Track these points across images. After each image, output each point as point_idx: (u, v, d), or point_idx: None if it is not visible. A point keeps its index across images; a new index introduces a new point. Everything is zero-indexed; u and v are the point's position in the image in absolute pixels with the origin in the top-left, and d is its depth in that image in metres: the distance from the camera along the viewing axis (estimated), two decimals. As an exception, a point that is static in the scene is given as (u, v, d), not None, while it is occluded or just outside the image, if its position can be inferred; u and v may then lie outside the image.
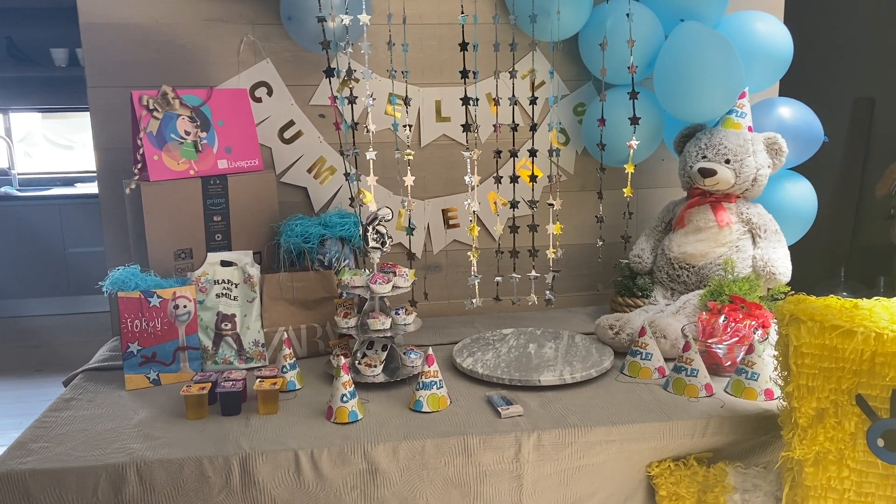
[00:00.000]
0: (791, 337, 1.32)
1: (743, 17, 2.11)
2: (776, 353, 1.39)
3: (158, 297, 1.69)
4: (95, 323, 4.62)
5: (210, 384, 1.57)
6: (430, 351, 1.59)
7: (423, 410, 1.55)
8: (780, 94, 2.35)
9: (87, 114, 2.07)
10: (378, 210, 1.76)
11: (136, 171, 1.81)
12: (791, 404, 1.35)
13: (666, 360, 1.74)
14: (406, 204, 1.99)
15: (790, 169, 2.18)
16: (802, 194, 2.15)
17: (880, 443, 1.28)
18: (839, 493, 1.32)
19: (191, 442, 1.43)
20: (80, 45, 2.04)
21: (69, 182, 5.28)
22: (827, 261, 3.98)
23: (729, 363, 1.71)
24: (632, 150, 2.03)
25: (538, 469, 1.47)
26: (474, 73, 2.00)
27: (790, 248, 2.05)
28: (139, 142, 1.80)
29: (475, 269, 2.02)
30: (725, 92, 1.97)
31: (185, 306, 1.72)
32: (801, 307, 1.33)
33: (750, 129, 2.00)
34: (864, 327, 1.26)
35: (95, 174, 2.10)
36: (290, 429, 1.48)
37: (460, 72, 1.98)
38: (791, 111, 2.12)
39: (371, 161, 1.93)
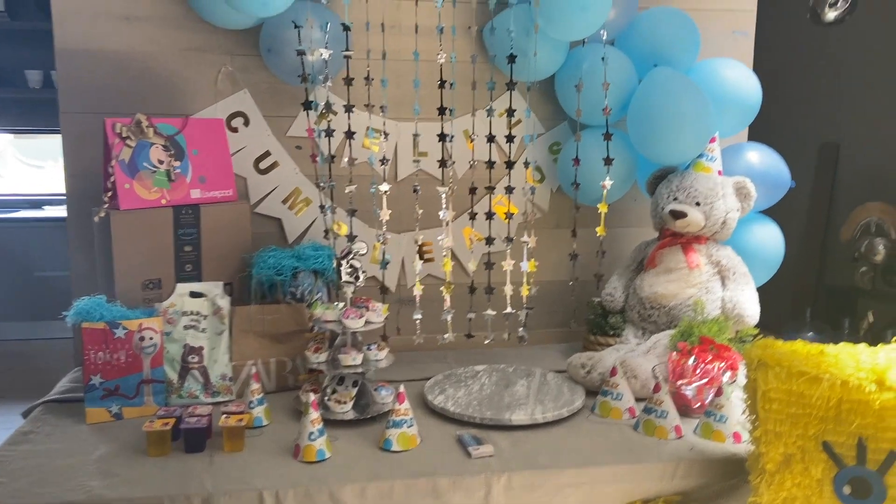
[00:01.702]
0: (759, 382, 1.33)
1: (713, 63, 2.17)
2: (745, 396, 1.41)
3: (124, 328, 1.66)
4: (62, 348, 4.50)
5: (174, 419, 1.54)
6: (402, 388, 1.57)
7: (392, 449, 1.53)
8: (749, 139, 2.41)
9: (58, 135, 2.04)
10: (352, 244, 1.76)
11: (106, 199, 1.78)
12: (759, 449, 1.36)
13: (636, 399, 1.74)
14: (381, 238, 2.00)
15: (759, 212, 2.22)
16: (770, 237, 2.19)
17: (846, 490, 1.30)
18: (806, 540, 1.33)
19: (152, 480, 1.39)
20: (54, 67, 2.03)
21: (38, 205, 5.19)
22: (793, 302, 4.04)
23: (698, 405, 1.71)
24: (605, 190, 2.06)
25: (508, 511, 1.45)
26: (450, 110, 2.02)
27: (758, 288, 2.08)
28: (110, 169, 1.78)
29: (448, 305, 2.02)
30: (696, 136, 2.01)
31: (150, 338, 1.69)
32: (769, 352, 1.34)
33: (720, 172, 2.04)
34: (831, 374, 1.28)
35: (65, 198, 2.07)
36: (256, 467, 1.45)
37: (438, 109, 2.01)
38: (759, 156, 2.17)
39: (350, 194, 1.93)
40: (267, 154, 2.17)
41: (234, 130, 2.12)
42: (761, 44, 2.42)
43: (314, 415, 1.49)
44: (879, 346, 1.35)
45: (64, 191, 2.06)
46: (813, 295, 4.05)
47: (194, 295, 1.81)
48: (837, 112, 4.02)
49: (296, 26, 1.89)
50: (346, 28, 1.89)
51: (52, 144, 5.40)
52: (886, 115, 3.76)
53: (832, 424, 1.29)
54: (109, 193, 1.77)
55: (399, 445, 1.53)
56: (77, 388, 1.83)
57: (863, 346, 1.36)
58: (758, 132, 2.41)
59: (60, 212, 5.01)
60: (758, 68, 2.35)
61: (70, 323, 1.64)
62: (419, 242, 2.12)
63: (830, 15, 2.97)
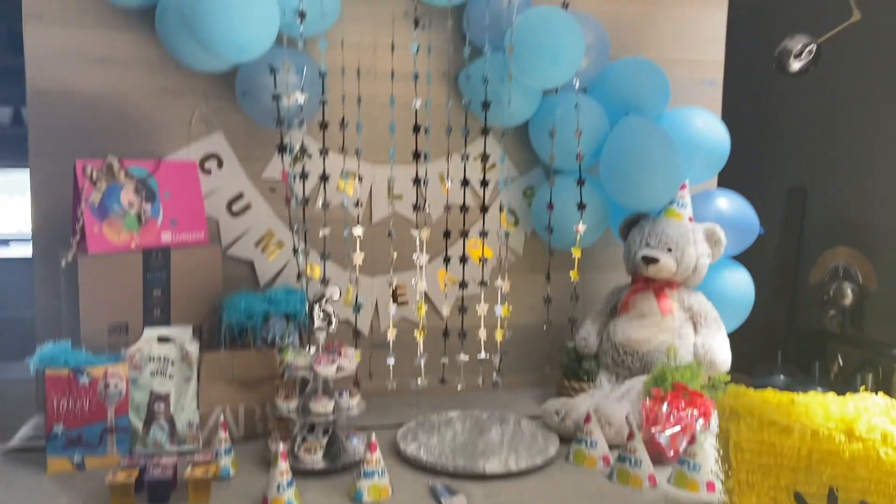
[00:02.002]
0: (731, 431, 1.33)
1: (683, 112, 2.22)
2: (717, 445, 1.40)
3: (89, 375, 1.62)
4: (24, 391, 4.37)
5: (137, 470, 1.49)
6: (374, 437, 1.55)
7: (363, 501, 1.50)
8: (718, 185, 2.45)
9: (25, 172, 2.01)
10: (325, 288, 1.74)
11: (74, 242, 1.75)
12: (731, 499, 1.35)
13: (610, 447, 1.73)
14: (354, 281, 1.98)
15: (729, 258, 2.25)
16: (740, 283, 2.22)
17: (819, 540, 1.29)
18: (781, 592, 1.31)
19: (113, 535, 1.34)
20: (24, 104, 2.01)
21: (4, 242, 5.08)
22: (764, 344, 4.08)
23: (672, 452, 1.71)
24: (579, 235, 2.07)
25: (480, 565, 1.42)
26: (426, 154, 2.03)
27: (730, 334, 2.10)
28: (79, 213, 1.75)
29: (422, 349, 2.00)
30: (666, 183, 2.04)
31: (116, 385, 1.65)
32: (741, 401, 1.35)
33: (690, 219, 2.07)
34: (801, 424, 1.28)
35: (22, 236, 2.03)
36: (222, 520, 1.41)
37: (413, 153, 2.02)
38: (729, 203, 2.21)
39: (324, 237, 1.92)
40: (240, 196, 2.15)
41: (208, 172, 2.11)
42: (729, 93, 2.49)
43: (283, 466, 1.45)
44: (848, 395, 1.36)
45: (26, 231, 2.02)
46: (783, 338, 4.09)
47: (162, 340, 1.77)
48: (805, 158, 4.13)
49: (272, 71, 1.90)
50: (322, 74, 1.90)
51: (18, 180, 5.32)
52: (851, 162, 3.87)
53: (803, 475, 1.29)
54: (78, 237, 1.74)
55: (370, 497, 1.50)
56: (39, 436, 1.77)
57: (832, 395, 1.37)
58: (727, 178, 2.46)
59: (25, 250, 4.92)
60: (726, 117, 2.41)
61: (33, 369, 1.60)
62: (393, 285, 2.11)
63: (795, 66, 3.05)
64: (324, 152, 1.94)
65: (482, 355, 2.01)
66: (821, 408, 1.32)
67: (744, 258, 2.28)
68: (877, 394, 1.38)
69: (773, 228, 4.19)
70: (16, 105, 4.83)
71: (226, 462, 1.60)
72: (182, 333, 1.80)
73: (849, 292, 3.64)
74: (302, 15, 1.85)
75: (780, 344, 4.06)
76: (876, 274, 3.60)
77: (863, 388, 1.41)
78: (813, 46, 3.02)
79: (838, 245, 3.79)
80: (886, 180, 3.64)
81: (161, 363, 1.75)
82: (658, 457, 1.70)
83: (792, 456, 1.29)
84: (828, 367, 3.66)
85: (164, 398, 1.73)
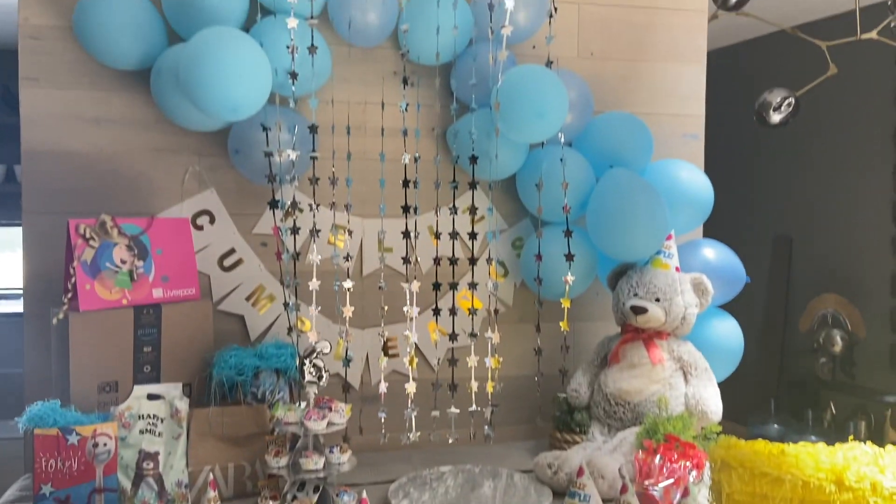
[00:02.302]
0: (723, 483, 1.33)
1: (666, 165, 2.27)
2: (710, 497, 1.40)
3: (77, 434, 1.60)
4: (8, 450, 4.29)
5: (125, 532, 1.47)
6: (364, 494, 1.53)
7: (354, 560, 1.47)
8: (704, 235, 2.49)
9: (16, 229, 2.02)
10: (316, 343, 1.75)
11: (65, 300, 1.76)
12: (727, 552, 1.34)
13: (604, 500, 1.72)
14: (344, 334, 1.99)
15: (716, 307, 2.27)
16: (729, 332, 2.23)
17: None
18: None
19: None
20: (18, 162, 2.04)
21: (-5, 298, 5.07)
22: (757, 393, 4.08)
23: (666, 505, 1.69)
24: (568, 286, 2.09)
25: None
26: (415, 207, 2.07)
27: (722, 382, 2.10)
28: (72, 270, 1.76)
29: (412, 402, 2.00)
30: (652, 234, 2.08)
31: (105, 444, 1.63)
32: (732, 453, 1.35)
33: (678, 269, 2.10)
34: (792, 475, 1.29)
35: (12, 292, 2.04)
36: (210, 583, 1.38)
37: (402, 206, 2.05)
38: (715, 252, 2.24)
39: (314, 291, 1.93)
40: (232, 251, 2.17)
41: (200, 228, 2.13)
42: (712, 145, 2.56)
43: (273, 524, 1.43)
44: (837, 444, 1.37)
45: (17, 286, 2.03)
46: (775, 386, 4.10)
47: (152, 397, 1.76)
48: (788, 207, 4.21)
49: (264, 129, 1.94)
50: (313, 131, 1.94)
51: (5, 237, 5.33)
52: (834, 210, 3.94)
53: (796, 526, 1.29)
54: (69, 294, 1.75)
55: (361, 555, 1.48)
56: (25, 498, 1.75)
57: (821, 445, 1.38)
58: (712, 228, 2.50)
59: (11, 307, 4.89)
60: (709, 168, 2.47)
61: (22, 429, 1.58)
62: (384, 337, 2.11)
63: (775, 118, 3.15)
64: (314, 207, 1.96)
65: (473, 408, 2.00)
66: (811, 458, 1.33)
67: (733, 306, 2.31)
68: (869, 441, 1.39)
69: (760, 276, 4.25)
70: (8, 163, 4.87)
71: (215, 522, 1.58)
72: (172, 390, 1.79)
73: (838, 340, 3.68)
74: (294, 75, 1.90)
75: (773, 392, 4.07)
76: (864, 321, 3.65)
77: (851, 437, 1.42)
78: (792, 99, 3.12)
79: (825, 292, 3.85)
80: (870, 227, 3.72)
81: (150, 421, 1.74)
82: (652, 510, 1.68)
83: (784, 507, 1.29)
84: (821, 415, 3.66)
85: (154, 456, 1.71)
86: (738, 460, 1.33)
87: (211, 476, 1.68)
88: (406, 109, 2.05)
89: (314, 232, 1.96)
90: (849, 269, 3.87)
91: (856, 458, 1.32)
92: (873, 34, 2.95)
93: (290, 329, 2.03)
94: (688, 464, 1.72)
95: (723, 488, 1.33)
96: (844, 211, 3.89)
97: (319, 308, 1.98)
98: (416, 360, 2.03)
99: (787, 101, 3.13)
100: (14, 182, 4.88)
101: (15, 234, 5.37)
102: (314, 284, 1.92)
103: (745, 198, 4.44)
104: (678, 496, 1.65)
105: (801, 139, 4.10)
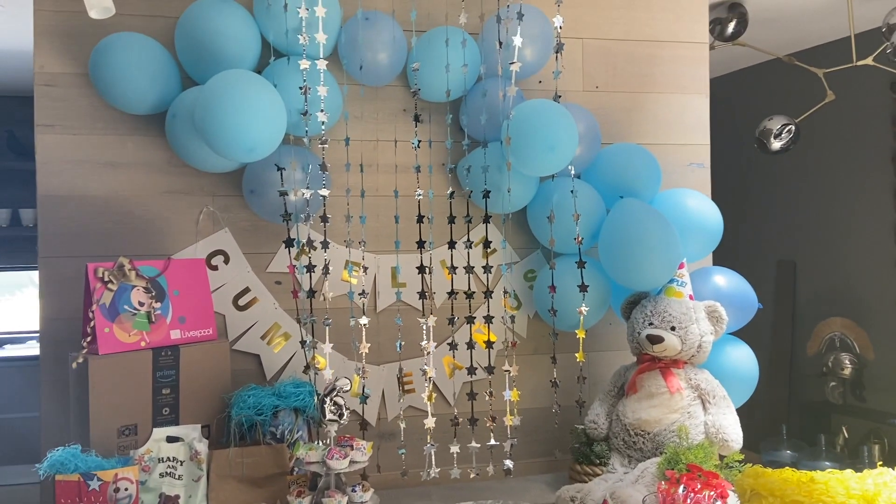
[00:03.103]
0: (755, 513, 1.33)
1: (675, 194, 2.29)
2: (741, 528, 1.39)
3: (99, 479, 1.59)
4: (18, 497, 4.23)
5: (150, 578, 1.45)
6: (390, 533, 1.52)
7: None
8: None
9: (20, 273, 2.03)
10: (336, 381, 1.75)
11: (84, 343, 1.76)
12: (761, 584, 1.33)
13: (630, 533, 1.70)
14: (361, 371, 1.99)
15: (728, 334, 2.28)
16: (743, 358, 2.24)
17: None
18: None
19: None
20: (23, 205, 2.05)
21: (-1, 343, 5.05)
22: (767, 419, 4.06)
23: (693, 537, 1.68)
24: (582, 316, 2.10)
25: None
26: (430, 242, 2.09)
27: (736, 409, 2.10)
28: (91, 314, 1.76)
29: (430, 437, 1.99)
30: (665, 262, 2.09)
31: (126, 489, 1.62)
32: (761, 482, 1.35)
33: (691, 297, 2.11)
34: (823, 502, 1.28)
35: (23, 336, 2.03)
36: None
37: (416, 242, 2.07)
38: (726, 280, 2.25)
39: (327, 329, 1.93)
40: (246, 290, 2.18)
41: (214, 268, 2.14)
42: (713, 172, 2.58)
43: (300, 567, 1.42)
44: (866, 472, 1.37)
45: (24, 329, 2.03)
46: (786, 411, 4.09)
47: (171, 439, 1.76)
48: (791, 232, 4.24)
49: (279, 168, 1.97)
50: (324, 168, 1.96)
51: (10, 280, 5.33)
52: (837, 233, 3.97)
53: (831, 555, 1.28)
54: (89, 338, 1.75)
55: None
56: (41, 546, 1.73)
57: (849, 472, 1.38)
58: (716, 254, 2.52)
59: (20, 350, 4.87)
60: (712, 194, 2.49)
61: (43, 475, 1.57)
62: (401, 374, 2.11)
63: (776, 145, 3.19)
64: (325, 245, 1.98)
65: (492, 442, 2.00)
66: (841, 485, 1.32)
67: (740, 332, 2.31)
68: (880, 463, 1.38)
69: (766, 301, 4.25)
70: (13, 207, 4.89)
71: (239, 566, 1.56)
72: (191, 432, 1.78)
73: (847, 363, 3.68)
74: (306, 115, 1.94)
75: (784, 418, 4.05)
76: (871, 343, 3.65)
77: (880, 463, 1.41)
78: (792, 126, 3.17)
79: (831, 316, 3.86)
80: (872, 249, 3.74)
81: (170, 464, 1.73)
82: (679, 541, 1.67)
83: (817, 536, 1.29)
84: (833, 440, 3.64)
85: (174, 500, 1.70)
86: (769, 489, 1.32)
87: (234, 519, 1.66)
88: (418, 146, 2.08)
89: (325, 271, 1.97)
90: (854, 291, 3.89)
91: (886, 483, 1.32)
92: (869, 60, 3.01)
93: (306, 367, 2.02)
94: (712, 493, 1.72)
95: (755, 518, 1.33)
96: (846, 234, 3.92)
97: (333, 345, 1.99)
98: (434, 395, 2.03)
99: (787, 128, 3.18)
100: (19, 226, 4.89)
101: (21, 277, 5.39)
102: (327, 322, 1.93)
103: (747, 223, 4.48)
104: (705, 527, 1.64)
105: (801, 164, 4.15)
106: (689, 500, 1.72)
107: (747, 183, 4.54)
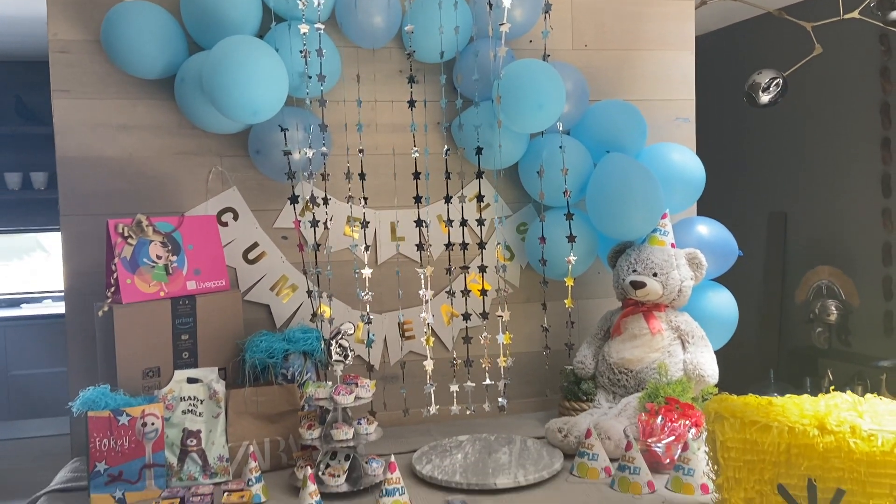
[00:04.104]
0: (717, 433, 1.47)
1: (660, 148, 2.40)
2: (707, 448, 1.54)
3: (127, 415, 1.75)
4: (39, 447, 4.46)
5: (178, 500, 1.62)
6: (392, 458, 1.68)
7: (386, 517, 1.62)
8: (701, 213, 2.63)
9: (29, 236, 2.16)
10: (341, 325, 1.89)
11: (108, 294, 1.90)
12: (722, 496, 1.49)
13: (611, 459, 1.87)
14: (365, 319, 2.13)
15: (711, 280, 2.41)
16: (724, 303, 2.37)
17: (803, 528, 1.42)
18: (772, 579, 1.44)
19: (160, 558, 1.47)
20: (34, 169, 2.17)
21: (14, 303, 5.22)
22: (757, 365, 4.22)
23: (668, 460, 1.84)
24: (570, 265, 2.23)
25: (497, 570, 1.55)
26: (426, 198, 2.21)
27: (720, 351, 2.24)
28: (113, 266, 1.91)
29: (430, 377, 2.14)
30: (648, 213, 2.21)
31: (153, 423, 1.78)
32: (724, 405, 1.49)
33: (673, 245, 2.24)
34: (779, 422, 1.43)
35: (39, 295, 2.18)
36: (258, 541, 1.53)
37: (414, 197, 2.19)
38: (708, 229, 2.38)
39: (330, 279, 2.07)
40: (255, 245, 2.32)
41: (224, 225, 2.27)
42: (705, 127, 2.69)
43: (312, 487, 1.59)
44: (821, 395, 1.51)
45: (42, 288, 2.17)
46: (775, 357, 4.24)
47: (191, 381, 1.91)
48: (781, 185, 4.34)
49: (282, 129, 2.08)
50: (324, 128, 2.08)
51: (24, 243, 5.47)
52: (826, 185, 4.07)
53: (784, 468, 1.43)
54: (112, 289, 1.90)
55: (392, 513, 1.63)
56: (77, 478, 1.90)
57: (807, 396, 1.52)
58: (710, 208, 2.64)
59: (39, 309, 5.05)
60: (704, 150, 2.60)
61: (76, 412, 1.73)
62: (401, 321, 2.25)
63: (764, 98, 3.26)
64: (326, 201, 2.10)
65: (487, 382, 2.15)
66: (796, 407, 1.47)
67: (733, 282, 2.44)
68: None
69: (757, 252, 4.39)
70: (24, 170, 5.01)
71: (257, 489, 1.73)
72: (209, 374, 1.94)
73: (833, 309, 3.82)
74: (308, 77, 2.04)
75: (773, 363, 4.21)
76: (857, 290, 3.78)
77: (832, 387, 1.56)
78: (780, 79, 3.24)
79: (819, 264, 3.98)
80: (861, 200, 3.84)
81: (191, 402, 1.89)
82: (655, 465, 1.83)
83: (772, 451, 1.43)
84: (819, 383, 3.80)
85: (196, 434, 1.86)
86: (730, 411, 1.47)
87: (251, 449, 1.83)
88: (413, 106, 2.19)
89: (326, 224, 2.09)
90: (842, 241, 4.00)
91: (837, 405, 1.46)
92: (855, 13, 3.07)
93: (313, 315, 2.17)
94: (687, 422, 1.88)
95: (717, 437, 1.47)
96: (835, 185, 4.02)
97: (337, 295, 2.13)
98: (432, 340, 2.18)
99: (775, 82, 3.24)
100: (31, 189, 5.02)
101: (29, 241, 5.53)
102: (328, 273, 2.06)
103: (740, 177, 4.57)
104: (679, 451, 1.80)
105: (791, 118, 4.23)
106: (666, 429, 1.88)
107: (738, 138, 4.62)
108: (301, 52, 2.02)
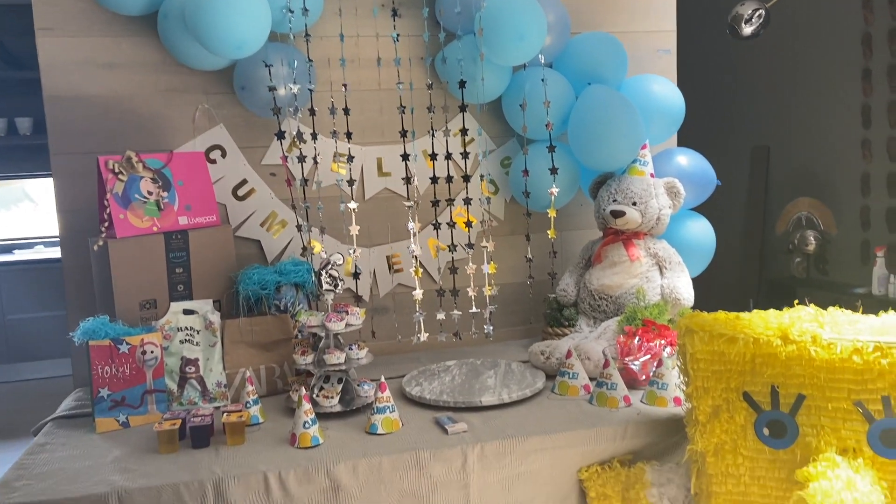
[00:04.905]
0: (687, 346, 1.56)
1: (641, 80, 2.44)
2: (678, 362, 1.64)
3: (127, 343, 1.83)
4: (36, 390, 4.57)
5: (180, 420, 1.71)
6: (383, 379, 1.77)
7: (378, 432, 1.72)
8: (686, 146, 2.68)
9: (23, 184, 2.20)
10: (330, 256, 1.96)
11: (102, 229, 1.95)
12: (692, 404, 1.59)
13: (590, 378, 1.97)
14: (353, 252, 2.20)
15: (690, 209, 2.48)
16: (702, 231, 2.45)
17: (766, 432, 1.53)
18: (736, 478, 1.56)
19: (166, 472, 1.56)
20: (19, 114, 2.19)
21: (7, 249, 5.26)
22: (738, 295, 4.34)
23: (644, 377, 1.94)
24: (553, 197, 2.29)
25: (483, 478, 1.66)
26: (412, 132, 2.25)
27: (702, 283, 2.33)
28: (106, 202, 1.95)
29: (419, 306, 2.22)
30: (629, 144, 2.26)
31: (152, 352, 1.86)
32: (694, 320, 1.58)
33: (652, 175, 2.30)
34: (745, 334, 1.52)
35: (30, 241, 2.23)
36: (258, 455, 1.63)
37: (399, 132, 2.23)
38: (687, 159, 2.44)
39: (321, 213, 2.12)
40: (244, 182, 2.36)
41: (213, 162, 2.31)
42: (688, 60, 2.72)
43: (306, 406, 1.68)
44: (785, 309, 1.60)
45: (34, 234, 2.21)
46: (756, 287, 4.36)
47: (187, 312, 1.98)
48: (765, 118, 4.38)
49: (266, 65, 2.10)
50: (309, 61, 2.10)
51: (11, 193, 5.48)
52: (809, 118, 4.12)
53: (749, 377, 1.53)
54: (106, 224, 1.95)
55: (384, 429, 1.73)
56: (80, 406, 1.99)
57: (773, 311, 1.61)
58: (694, 140, 2.68)
59: (30, 255, 5.10)
60: (685, 82, 2.63)
61: (77, 341, 1.80)
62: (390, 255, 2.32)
63: (747, 30, 3.27)
64: (314, 136, 2.13)
65: (474, 310, 2.23)
66: (761, 320, 1.56)
67: (716, 215, 2.50)
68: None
69: (740, 185, 4.46)
70: (9, 116, 4.98)
71: (255, 411, 1.82)
72: (204, 306, 2.01)
73: (811, 239, 3.92)
74: (290, 11, 2.05)
75: (753, 293, 4.33)
76: (836, 220, 3.88)
77: (796, 301, 1.64)
78: (762, 11, 3.25)
79: (801, 196, 4.06)
80: (842, 132, 3.90)
81: (188, 332, 1.96)
82: (632, 382, 1.93)
83: (738, 361, 1.53)
84: (796, 311, 3.91)
85: (194, 362, 1.94)
86: (700, 325, 1.55)
87: (248, 373, 1.91)
88: (397, 40, 2.20)
89: (315, 157, 2.14)
90: (823, 173, 4.07)
91: (800, 317, 1.55)
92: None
93: (303, 249, 2.24)
94: (662, 342, 1.97)
95: (687, 350, 1.56)
96: (818, 118, 4.07)
97: (328, 229, 2.19)
98: (420, 271, 2.25)
99: (757, 13, 3.25)
100: (16, 134, 4.99)
101: (15, 191, 5.53)
102: (319, 203, 2.11)
103: (724, 111, 4.60)
104: (654, 368, 1.90)
105: (774, 50, 4.24)
106: (642, 349, 1.98)
107: (722, 71, 4.63)
108: (283, -15, 2.03)
